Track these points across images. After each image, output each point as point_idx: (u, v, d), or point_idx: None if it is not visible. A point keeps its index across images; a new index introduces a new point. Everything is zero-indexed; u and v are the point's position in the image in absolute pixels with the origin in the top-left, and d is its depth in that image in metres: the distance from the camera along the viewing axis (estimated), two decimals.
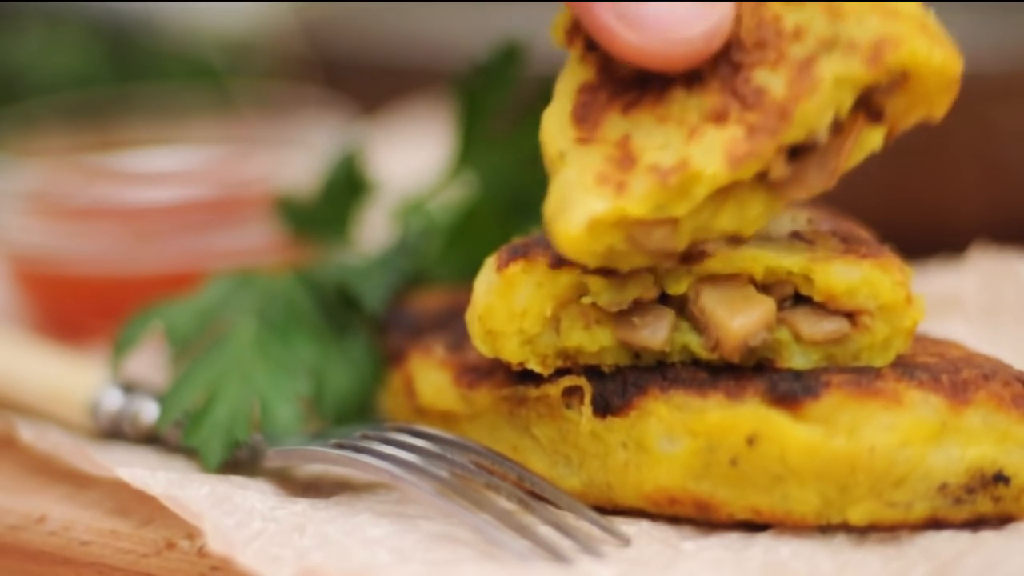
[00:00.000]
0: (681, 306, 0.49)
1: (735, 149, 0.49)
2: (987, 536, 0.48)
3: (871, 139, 0.51)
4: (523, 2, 1.04)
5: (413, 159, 0.80)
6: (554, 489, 0.49)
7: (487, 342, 0.50)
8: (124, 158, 0.71)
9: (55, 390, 0.57)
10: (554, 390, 0.50)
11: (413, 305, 0.56)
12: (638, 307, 0.49)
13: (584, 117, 0.51)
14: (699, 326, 0.49)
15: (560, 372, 0.50)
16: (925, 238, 0.78)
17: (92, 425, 0.56)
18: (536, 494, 0.49)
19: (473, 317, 0.50)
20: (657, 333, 0.49)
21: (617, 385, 0.49)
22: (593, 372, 0.49)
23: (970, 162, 0.79)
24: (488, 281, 0.50)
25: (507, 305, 0.49)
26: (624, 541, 0.48)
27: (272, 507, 0.50)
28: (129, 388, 0.56)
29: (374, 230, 0.66)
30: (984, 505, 0.48)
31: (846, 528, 0.48)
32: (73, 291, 0.68)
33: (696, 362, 0.49)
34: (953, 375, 0.49)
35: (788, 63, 0.50)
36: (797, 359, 0.49)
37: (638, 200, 0.48)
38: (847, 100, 0.49)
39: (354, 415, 0.54)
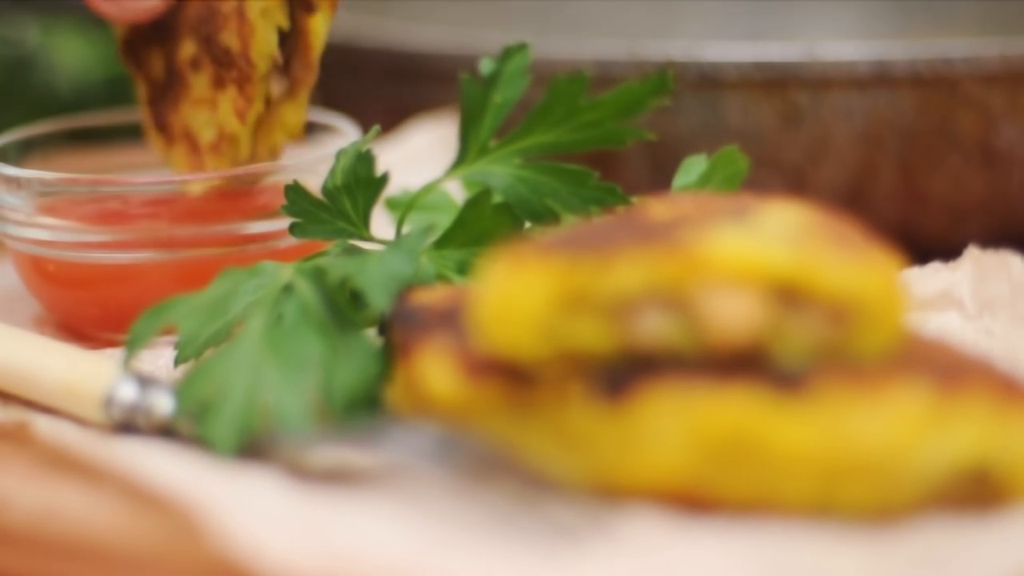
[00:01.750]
0: (678, 302, 0.50)
1: (237, 105, 0.65)
2: (975, 528, 0.48)
3: (318, 24, 0.65)
4: (525, 2, 1.05)
5: (416, 156, 0.81)
6: (554, 479, 0.50)
7: (491, 336, 0.51)
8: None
9: (69, 384, 0.58)
10: (555, 383, 0.51)
11: (419, 300, 0.57)
12: (636, 302, 0.50)
13: (161, 123, 0.68)
14: (694, 321, 0.50)
15: (561, 365, 0.51)
16: (925, 236, 0.79)
17: (106, 418, 0.57)
18: (537, 484, 0.50)
19: (477, 312, 0.51)
20: (654, 328, 0.50)
21: (615, 378, 0.50)
22: (592, 366, 0.50)
23: (973, 160, 0.80)
24: (492, 276, 0.51)
25: (511, 300, 0.50)
26: (620, 530, 0.49)
27: (288, 498, 0.51)
28: (143, 381, 0.57)
29: (381, 226, 0.66)
30: (972, 497, 0.49)
31: (836, 519, 0.49)
32: (84, 289, 0.68)
33: (691, 357, 0.50)
34: (943, 369, 0.50)
35: (231, 18, 0.64)
36: (789, 354, 0.49)
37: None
38: (281, 19, 0.64)
39: (363, 409, 0.55)
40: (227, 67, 0.65)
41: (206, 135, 0.67)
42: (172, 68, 0.67)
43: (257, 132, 0.67)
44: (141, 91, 0.69)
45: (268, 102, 0.67)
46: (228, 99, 0.66)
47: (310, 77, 0.66)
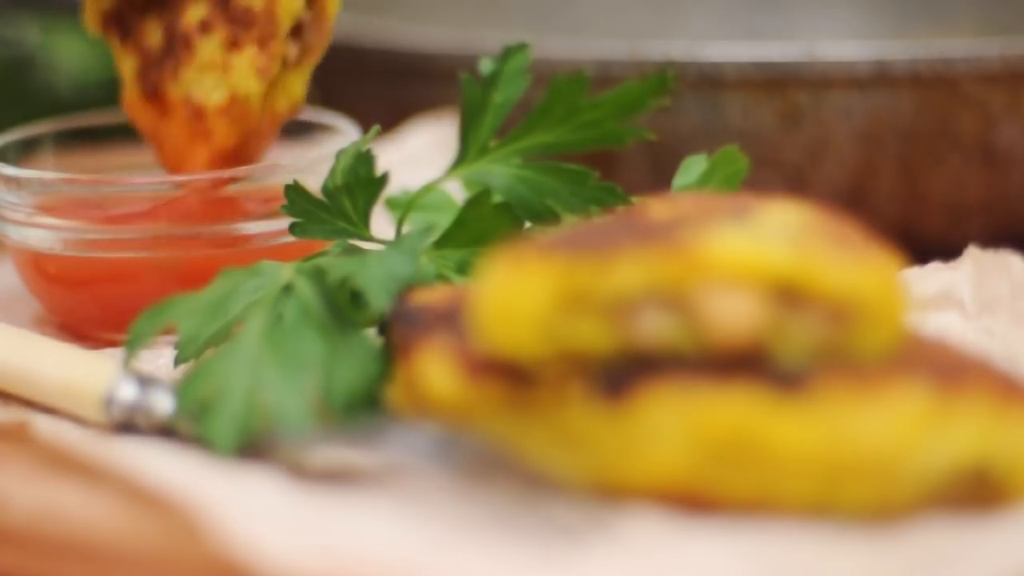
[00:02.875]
0: (678, 302, 0.50)
1: (258, 63, 0.65)
2: (975, 528, 0.49)
3: None
4: (525, 2, 1.05)
5: (416, 156, 0.81)
6: (554, 479, 0.50)
7: (490, 336, 0.51)
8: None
9: (69, 383, 0.58)
10: (554, 383, 0.51)
11: (418, 300, 0.57)
12: (636, 302, 0.50)
13: (154, 94, 0.67)
14: (694, 321, 0.50)
15: (561, 365, 0.51)
16: (925, 236, 0.79)
17: (106, 418, 0.57)
18: (537, 484, 0.50)
19: (477, 311, 0.51)
20: (654, 328, 0.50)
21: (615, 378, 0.50)
22: (593, 366, 0.50)
23: (973, 160, 0.80)
24: (492, 276, 0.51)
25: (511, 300, 0.50)
26: (620, 530, 0.49)
27: (288, 498, 0.51)
28: (143, 381, 0.57)
29: (381, 226, 0.66)
30: (972, 497, 0.49)
31: (836, 519, 0.49)
32: (84, 289, 0.68)
33: (691, 356, 0.50)
34: (943, 369, 0.50)
35: None
36: (789, 354, 0.50)
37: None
38: None
39: (363, 409, 0.55)
40: (246, 27, 0.66)
41: (214, 98, 0.67)
42: (173, 34, 0.67)
43: (264, 98, 0.67)
44: (128, 63, 0.69)
45: (282, 66, 0.67)
46: (245, 59, 0.66)
47: (323, 43, 0.67)
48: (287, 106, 0.68)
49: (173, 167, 0.68)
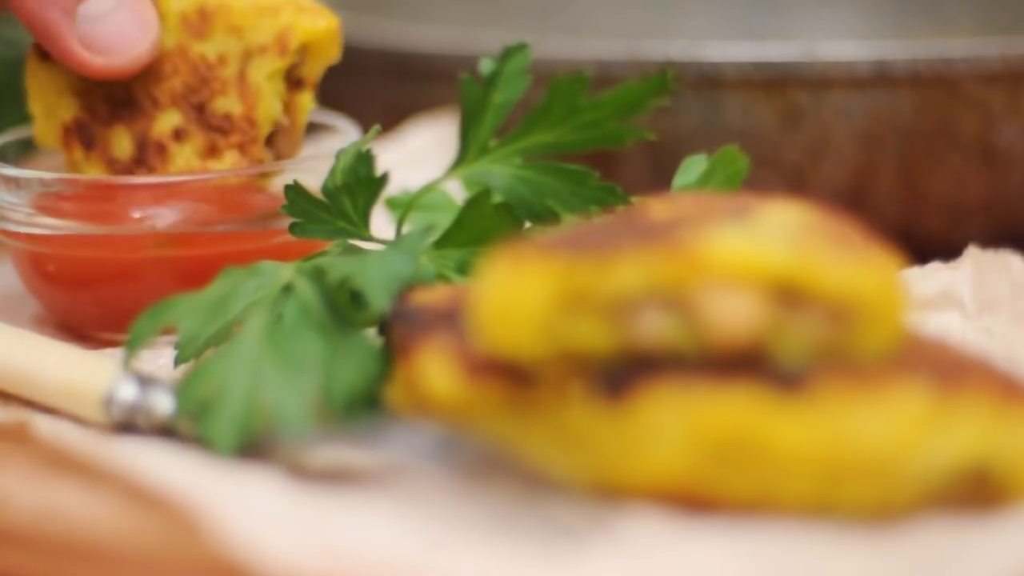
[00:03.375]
0: (678, 301, 0.50)
1: (240, 167, 0.66)
2: (975, 528, 0.49)
3: (305, 102, 0.67)
4: (525, 2, 1.05)
5: (416, 156, 0.81)
6: (554, 479, 0.50)
7: (490, 336, 0.51)
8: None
9: (69, 383, 0.58)
10: (554, 383, 0.51)
11: (418, 300, 0.57)
12: (636, 302, 0.50)
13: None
14: (694, 321, 0.50)
15: (561, 365, 0.51)
16: (925, 236, 0.79)
17: (106, 418, 0.57)
18: (537, 484, 0.50)
19: (477, 311, 0.51)
20: (654, 328, 0.50)
21: (615, 378, 0.50)
22: (593, 366, 0.50)
23: (973, 160, 0.80)
24: (492, 276, 0.51)
25: (511, 300, 0.50)
26: (620, 530, 0.49)
27: (288, 498, 0.51)
28: (143, 381, 0.57)
29: (381, 226, 0.66)
30: (972, 497, 0.49)
31: (836, 519, 0.49)
32: (84, 289, 0.68)
33: (691, 356, 0.50)
34: (943, 369, 0.50)
35: (229, 85, 0.66)
36: (789, 354, 0.50)
37: None
38: (281, 89, 0.66)
39: (363, 409, 0.55)
40: (225, 134, 0.67)
41: None
42: (144, 143, 0.67)
43: None
44: (95, 172, 0.68)
45: None
46: (226, 165, 0.67)
47: (293, 153, 0.68)
48: None
49: None
